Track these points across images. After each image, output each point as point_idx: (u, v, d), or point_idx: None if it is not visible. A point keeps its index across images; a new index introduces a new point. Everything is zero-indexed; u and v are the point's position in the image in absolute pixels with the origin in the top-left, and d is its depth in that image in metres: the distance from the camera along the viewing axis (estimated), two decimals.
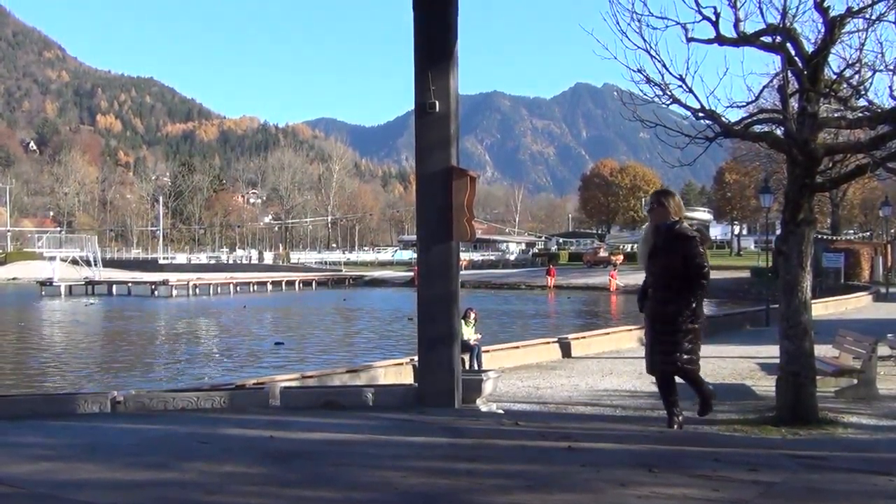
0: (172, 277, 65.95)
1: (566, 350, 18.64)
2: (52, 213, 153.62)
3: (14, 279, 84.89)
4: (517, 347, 18.39)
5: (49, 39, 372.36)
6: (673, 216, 7.41)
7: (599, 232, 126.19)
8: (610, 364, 16.84)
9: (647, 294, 7.59)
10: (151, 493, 5.00)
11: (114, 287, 62.82)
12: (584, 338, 20.17)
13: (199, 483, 5.26)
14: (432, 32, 8.47)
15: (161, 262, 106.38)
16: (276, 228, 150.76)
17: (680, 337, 7.19)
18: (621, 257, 78.49)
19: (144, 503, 4.83)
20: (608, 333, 21.10)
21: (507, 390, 13.11)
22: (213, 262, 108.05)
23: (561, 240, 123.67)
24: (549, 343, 19.01)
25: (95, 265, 69.18)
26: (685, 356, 7.24)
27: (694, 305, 7.16)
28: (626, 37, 8.84)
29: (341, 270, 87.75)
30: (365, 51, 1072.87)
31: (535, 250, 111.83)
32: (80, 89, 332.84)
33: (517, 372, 15.87)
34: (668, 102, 9.02)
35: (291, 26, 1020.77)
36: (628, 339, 20.58)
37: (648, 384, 13.49)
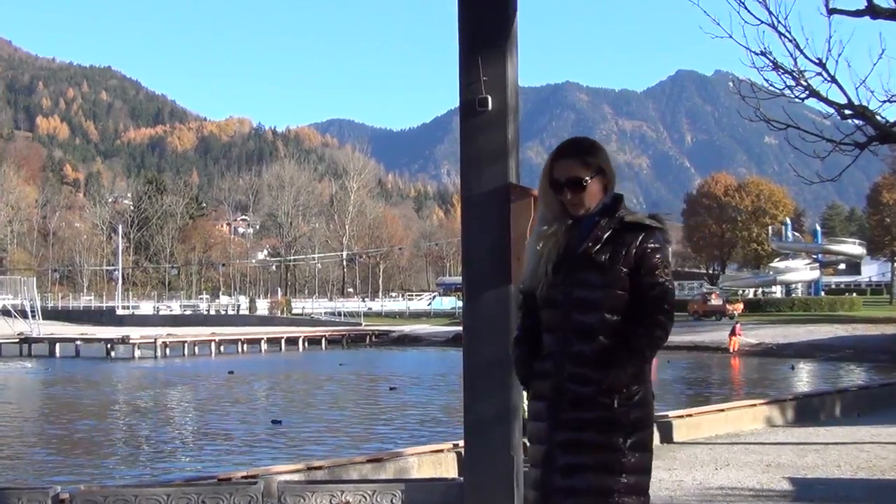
0: (135, 333, 66.55)
1: (666, 433, 18.50)
2: None
3: None
4: None
5: None
6: (605, 190, 4.66)
7: (710, 272, 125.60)
8: (726, 452, 16.67)
9: (531, 348, 4.73)
10: None
11: (57, 346, 63.32)
12: (689, 416, 20.00)
13: None
14: (483, 5, 8.53)
15: (120, 312, 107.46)
16: (274, 267, 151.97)
17: (622, 440, 4.37)
18: (741, 306, 77.78)
19: None
20: (723, 410, 20.89)
21: None
22: (188, 312, 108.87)
23: None
24: None
25: (33, 317, 70.01)
26: (631, 479, 4.39)
27: (644, 370, 4.53)
28: (745, 8, 8.86)
29: (360, 324, 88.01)
30: (391, 32, 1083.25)
31: None
32: (15, 83, 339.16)
33: None
34: (802, 96, 9.00)
35: (290, 7, 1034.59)
36: (751, 418, 20.37)
37: (779, 479, 13.36)
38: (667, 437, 18.41)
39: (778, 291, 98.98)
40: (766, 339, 57.76)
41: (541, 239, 4.66)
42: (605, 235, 4.48)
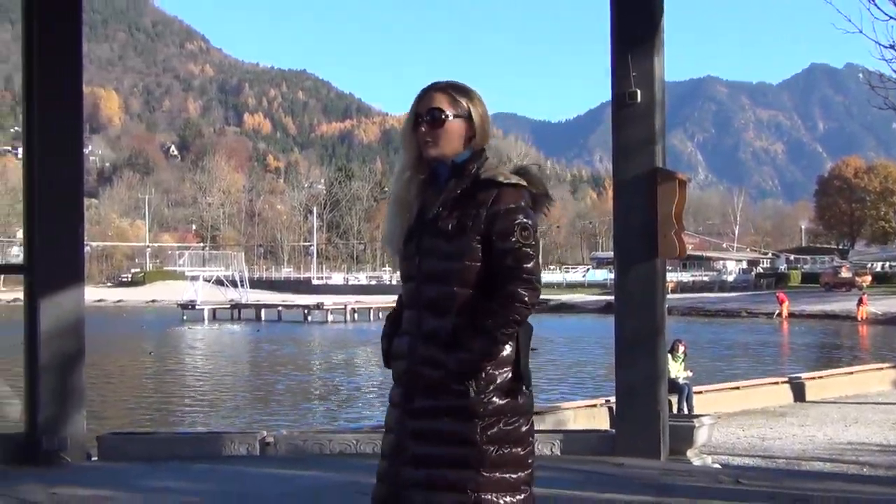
0: (328, 300, 67.80)
1: (799, 392, 18.12)
2: (194, 227, 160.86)
3: (153, 301, 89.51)
4: (737, 388, 18.03)
5: (191, 30, 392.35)
6: (468, 142, 3.57)
7: (841, 247, 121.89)
8: (855, 411, 16.25)
9: (397, 325, 3.66)
10: None
11: (262, 311, 65.05)
12: (820, 378, 19.59)
13: None
14: (633, 6, 8.43)
15: (315, 282, 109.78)
16: None
17: (480, 431, 3.34)
18: (869, 278, 75.70)
19: None
20: (851, 373, 20.46)
21: (724, 440, 12.86)
22: (373, 282, 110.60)
23: (792, 257, 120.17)
24: (777, 383, 18.53)
25: (242, 286, 71.84)
26: (495, 474, 3.34)
27: (512, 351, 3.42)
28: (875, 4, 8.55)
29: None
30: (551, 33, 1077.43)
31: (759, 270, 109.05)
32: (226, 85, 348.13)
33: (737, 418, 15.53)
34: None
35: (461, 9, 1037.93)
36: (877, 381, 19.83)
37: None
38: (799, 397, 18.05)
39: None
40: (893, 308, 55.98)
41: (396, 203, 3.63)
42: (456, 196, 3.45)
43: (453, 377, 3.32)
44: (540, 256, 3.51)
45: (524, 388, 3.42)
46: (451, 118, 3.47)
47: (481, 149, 3.57)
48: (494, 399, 3.33)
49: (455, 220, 3.39)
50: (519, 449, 3.37)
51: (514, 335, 3.37)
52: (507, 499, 3.32)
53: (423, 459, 3.34)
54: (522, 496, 3.37)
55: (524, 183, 3.49)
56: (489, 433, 3.31)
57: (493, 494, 3.30)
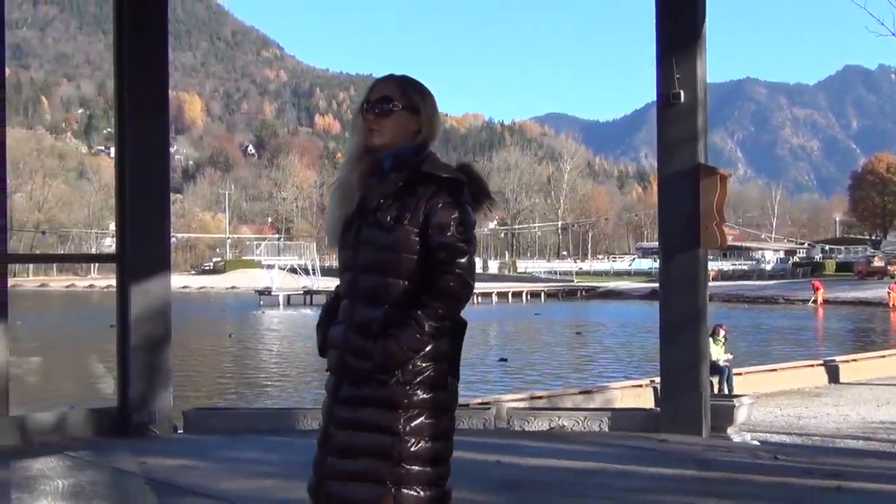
0: None
1: (833, 374, 17.91)
2: (270, 220, 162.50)
3: (233, 288, 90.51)
4: (774, 370, 17.86)
5: (267, 38, 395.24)
6: (414, 137, 3.33)
7: (873, 238, 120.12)
8: (887, 392, 16.03)
9: (333, 315, 3.39)
10: None
11: None
12: (854, 361, 19.34)
13: None
14: (677, 11, 8.35)
15: None
16: (502, 235, 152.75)
17: (402, 423, 3.11)
18: None
19: None
20: (884, 356, 20.15)
21: (762, 419, 12.75)
22: None
23: (827, 247, 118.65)
24: (812, 366, 18.35)
25: (314, 274, 72.38)
26: (414, 468, 3.11)
27: (442, 346, 3.19)
28: None
29: (573, 281, 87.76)
30: (599, 38, 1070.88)
31: (796, 259, 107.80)
32: (298, 89, 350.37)
33: (774, 398, 15.40)
34: None
35: (518, 16, 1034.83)
36: None
37: None
38: (834, 379, 17.86)
39: None
40: None
41: (340, 189, 3.36)
42: (396, 187, 3.21)
43: (378, 367, 3.07)
44: (475, 253, 3.31)
45: (450, 384, 3.19)
46: (399, 108, 3.25)
47: (425, 143, 3.33)
48: (419, 392, 3.10)
49: (394, 212, 3.16)
50: (439, 444, 3.15)
51: (443, 329, 3.13)
52: (424, 493, 3.09)
53: (344, 448, 3.13)
54: (439, 491, 3.14)
55: (464, 179, 3.27)
56: (412, 425, 3.08)
57: (411, 487, 3.08)
